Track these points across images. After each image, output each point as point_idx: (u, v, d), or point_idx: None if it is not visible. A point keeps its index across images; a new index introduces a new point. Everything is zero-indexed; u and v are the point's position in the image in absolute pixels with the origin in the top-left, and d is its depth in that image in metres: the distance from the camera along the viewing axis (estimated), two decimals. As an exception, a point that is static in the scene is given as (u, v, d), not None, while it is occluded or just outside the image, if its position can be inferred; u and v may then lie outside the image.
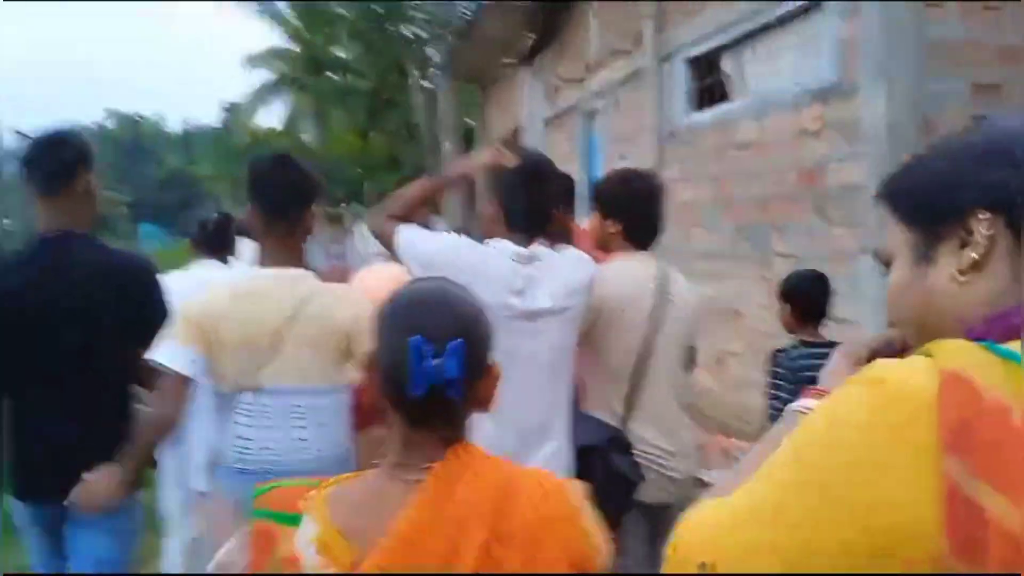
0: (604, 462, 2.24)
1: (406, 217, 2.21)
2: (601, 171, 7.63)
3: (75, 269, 2.27)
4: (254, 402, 2.01)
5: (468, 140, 13.66)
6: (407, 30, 16.48)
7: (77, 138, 2.42)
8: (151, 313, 2.29)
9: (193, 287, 2.67)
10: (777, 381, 2.94)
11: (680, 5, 5.82)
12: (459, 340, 1.06)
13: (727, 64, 5.35)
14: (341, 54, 19.51)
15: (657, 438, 2.40)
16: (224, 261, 3.33)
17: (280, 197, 2.11)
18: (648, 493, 2.34)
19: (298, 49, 21.94)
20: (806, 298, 2.94)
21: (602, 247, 2.54)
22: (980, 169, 0.75)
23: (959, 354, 0.66)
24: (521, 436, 2.05)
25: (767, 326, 4.10)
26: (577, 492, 1.14)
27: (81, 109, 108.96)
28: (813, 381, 1.02)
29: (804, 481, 0.67)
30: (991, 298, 0.74)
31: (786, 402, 1.50)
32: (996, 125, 0.81)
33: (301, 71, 20.77)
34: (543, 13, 8.64)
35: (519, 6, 8.46)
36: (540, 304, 2.10)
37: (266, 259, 2.12)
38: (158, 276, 2.44)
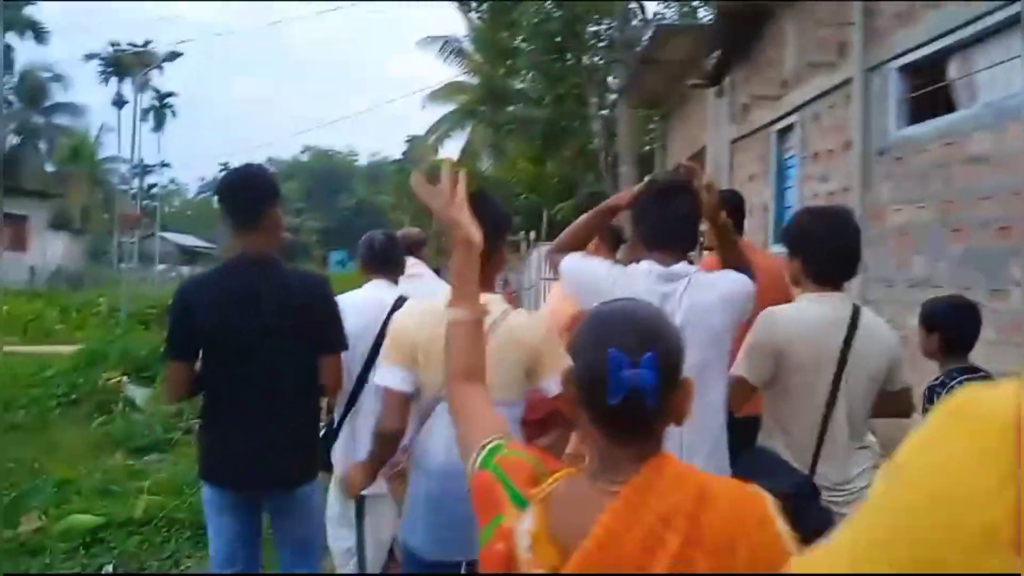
0: (798, 510, 2.06)
1: (575, 247, 2.43)
2: (795, 191, 7.08)
3: (262, 289, 2.67)
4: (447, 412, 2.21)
5: (647, 165, 13.36)
6: (587, 58, 16.46)
7: (265, 175, 2.87)
8: (325, 323, 2.74)
9: (363, 304, 3.16)
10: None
11: (893, 5, 5.26)
12: (652, 351, 1.12)
13: (952, 70, 4.75)
14: (519, 85, 19.79)
15: (838, 482, 2.39)
16: (394, 280, 3.41)
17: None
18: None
19: (477, 82, 22.67)
20: (954, 328, 2.79)
21: (794, 283, 2.55)
22: None
23: None
24: None
25: (995, 364, 3.50)
26: (768, 500, 1.16)
27: (281, 144, 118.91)
28: None
29: (892, 508, 0.66)
30: None
31: None
32: None
33: (480, 103, 21.34)
34: (730, 30, 8.23)
35: (703, 26, 8.10)
36: (678, 322, 2.11)
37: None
38: (330, 292, 2.83)
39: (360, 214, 54.97)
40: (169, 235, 60.97)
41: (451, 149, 32.54)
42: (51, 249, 33.18)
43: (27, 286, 24.90)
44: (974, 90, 4.57)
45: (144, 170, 59.63)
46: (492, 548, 1.16)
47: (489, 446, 1.27)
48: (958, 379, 2.65)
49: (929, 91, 4.96)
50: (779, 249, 5.61)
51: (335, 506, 3.33)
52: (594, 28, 16.52)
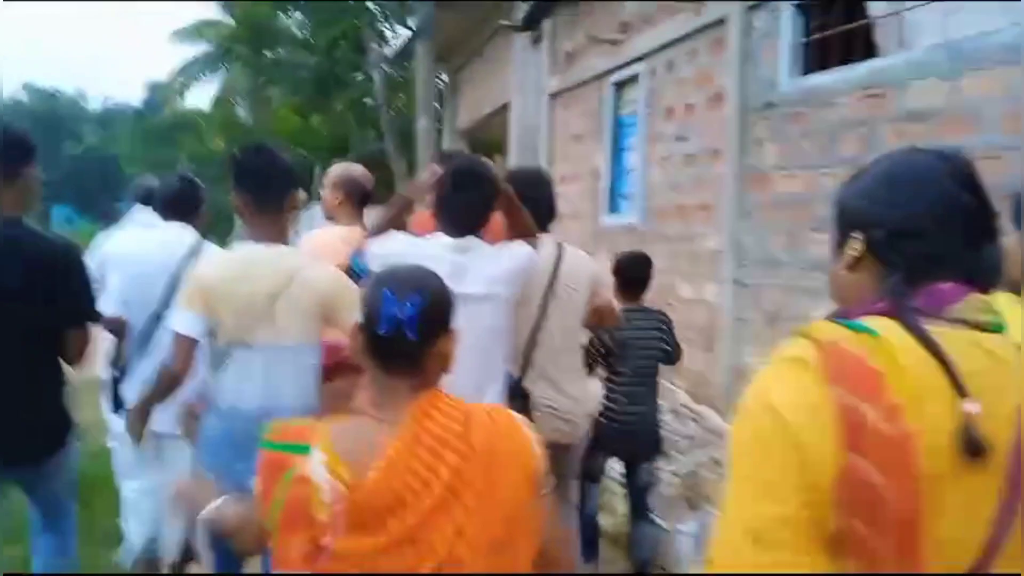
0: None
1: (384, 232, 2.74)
2: (638, 153, 6.08)
3: (5, 252, 2.51)
4: (245, 356, 2.41)
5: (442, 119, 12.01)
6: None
7: (18, 135, 2.70)
8: (74, 293, 2.64)
9: (164, 242, 3.18)
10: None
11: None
12: (417, 295, 1.37)
13: (877, 6, 3.86)
14: (286, 23, 17.42)
15: (546, 390, 2.99)
16: (193, 224, 3.30)
17: (268, 183, 2.50)
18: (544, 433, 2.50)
19: (232, 21, 19.94)
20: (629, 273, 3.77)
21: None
22: (864, 201, 1.09)
23: (826, 329, 1.00)
24: None
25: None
26: (512, 414, 1.49)
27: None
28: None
29: (738, 446, 0.99)
30: (859, 292, 1.08)
31: None
32: (899, 158, 1.11)
33: (236, 43, 18.65)
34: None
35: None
36: (468, 289, 2.39)
37: (258, 237, 2.50)
38: (82, 260, 2.71)
39: (88, 164, 48.59)
40: None
41: (200, 96, 29.13)
42: None
43: None
44: (902, 33, 3.70)
45: None
46: (292, 497, 1.32)
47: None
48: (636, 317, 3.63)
49: (837, 32, 4.07)
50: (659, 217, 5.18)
51: (126, 451, 3.28)
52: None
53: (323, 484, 1.29)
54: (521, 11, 8.14)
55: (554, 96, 7.77)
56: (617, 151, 6.56)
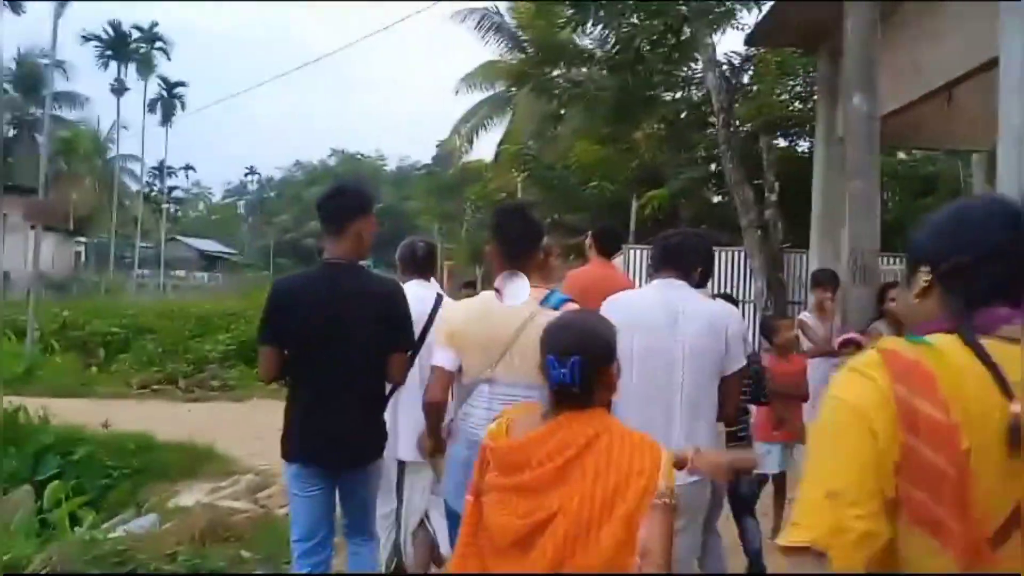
0: None
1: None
2: None
3: (344, 290, 3.10)
4: (486, 391, 2.76)
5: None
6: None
7: (359, 191, 3.32)
8: (397, 324, 3.20)
9: (411, 299, 3.42)
10: None
11: None
12: (576, 355, 1.88)
13: None
14: (584, 43, 15.13)
15: None
16: (429, 281, 3.95)
17: (517, 242, 2.90)
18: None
19: (519, 56, 18.31)
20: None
21: None
22: (933, 240, 1.34)
23: (889, 343, 1.26)
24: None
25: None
26: (655, 445, 1.93)
27: (309, 150, 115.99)
28: None
29: (820, 433, 1.27)
30: (927, 315, 1.33)
31: None
32: (963, 205, 1.40)
33: (524, 76, 16.86)
34: None
35: None
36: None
37: None
38: (404, 297, 3.25)
39: (383, 219, 51.47)
40: (189, 240, 57.90)
41: (487, 142, 28.41)
42: (37, 254, 29.29)
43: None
44: None
45: (165, 172, 56.53)
46: (480, 451, 2.06)
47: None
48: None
49: None
50: None
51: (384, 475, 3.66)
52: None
53: (488, 443, 2.01)
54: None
55: None
56: None
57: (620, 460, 1.85)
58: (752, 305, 10.76)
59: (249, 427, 7.47)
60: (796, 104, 13.03)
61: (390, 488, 3.71)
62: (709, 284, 3.30)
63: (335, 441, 3.07)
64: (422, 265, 3.95)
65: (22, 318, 12.65)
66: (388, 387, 3.33)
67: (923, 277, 1.33)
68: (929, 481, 1.15)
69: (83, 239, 38.67)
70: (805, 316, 6.02)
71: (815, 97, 10.94)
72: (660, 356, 2.83)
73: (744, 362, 2.98)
